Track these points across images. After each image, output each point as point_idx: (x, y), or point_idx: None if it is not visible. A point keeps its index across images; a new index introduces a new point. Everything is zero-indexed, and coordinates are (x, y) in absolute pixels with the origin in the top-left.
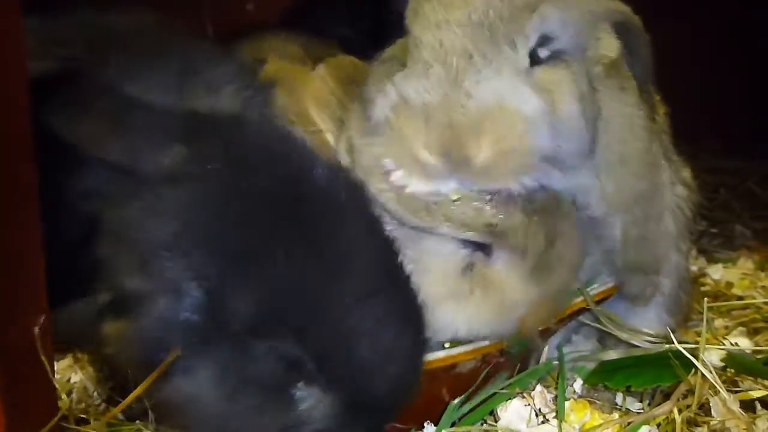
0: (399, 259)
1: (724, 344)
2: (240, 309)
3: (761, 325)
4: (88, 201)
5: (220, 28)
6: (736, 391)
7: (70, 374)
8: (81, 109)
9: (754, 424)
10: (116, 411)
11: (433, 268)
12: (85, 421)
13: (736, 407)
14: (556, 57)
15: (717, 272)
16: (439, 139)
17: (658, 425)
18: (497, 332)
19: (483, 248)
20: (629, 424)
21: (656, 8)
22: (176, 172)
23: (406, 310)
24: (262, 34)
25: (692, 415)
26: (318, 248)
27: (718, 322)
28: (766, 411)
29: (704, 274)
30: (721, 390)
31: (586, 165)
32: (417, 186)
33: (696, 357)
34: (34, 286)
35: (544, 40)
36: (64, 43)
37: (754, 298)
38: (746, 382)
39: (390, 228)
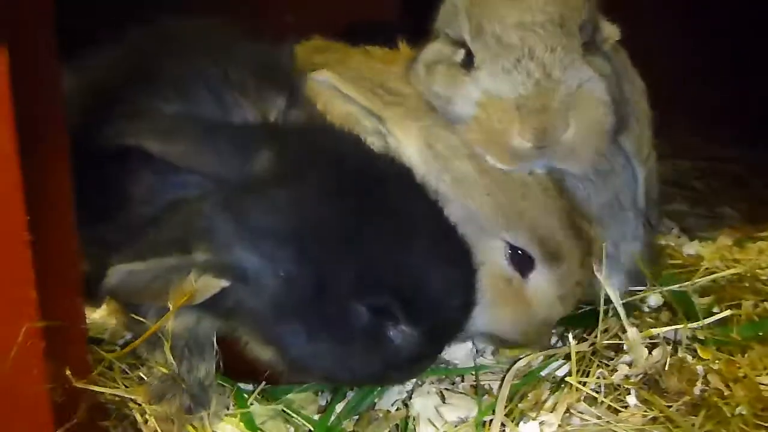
0: (450, 220)
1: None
2: (344, 279)
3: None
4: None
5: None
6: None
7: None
8: (169, 132)
9: (651, 354)
10: (135, 345)
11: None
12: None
13: (634, 335)
14: (587, 44)
15: (692, 248)
16: (533, 124)
17: (582, 360)
18: (511, 337)
19: (526, 266)
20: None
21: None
22: (266, 174)
23: (462, 259)
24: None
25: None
26: (394, 219)
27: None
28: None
29: (677, 249)
30: (624, 322)
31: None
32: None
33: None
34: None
35: (581, 31)
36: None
37: (717, 267)
38: None
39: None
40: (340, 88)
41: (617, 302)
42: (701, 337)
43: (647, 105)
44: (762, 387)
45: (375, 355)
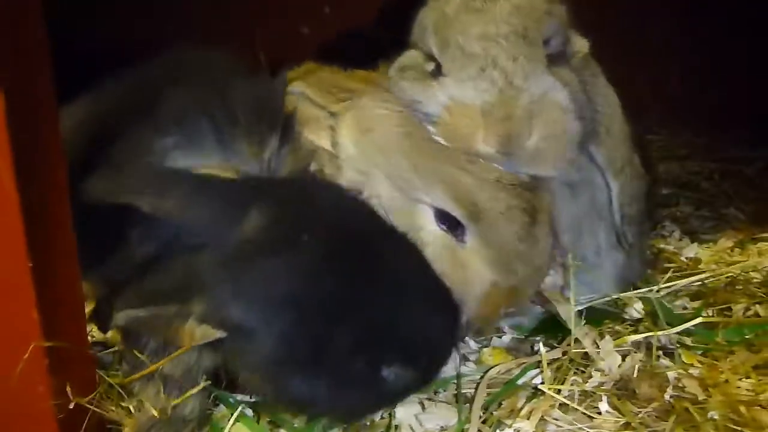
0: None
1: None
2: (340, 339)
3: (702, 290)
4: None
5: (275, 52)
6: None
7: None
8: (159, 190)
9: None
10: (134, 378)
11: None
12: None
13: (589, 340)
14: (553, 57)
15: (691, 251)
16: (497, 131)
17: (558, 368)
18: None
19: (456, 229)
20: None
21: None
22: (256, 235)
23: (449, 308)
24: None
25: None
26: (385, 275)
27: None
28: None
29: (676, 252)
30: (577, 330)
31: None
32: None
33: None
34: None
35: (545, 44)
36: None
37: (713, 272)
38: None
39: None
40: (306, 92)
41: (564, 315)
42: (689, 343)
43: (622, 119)
44: (741, 392)
45: (369, 395)
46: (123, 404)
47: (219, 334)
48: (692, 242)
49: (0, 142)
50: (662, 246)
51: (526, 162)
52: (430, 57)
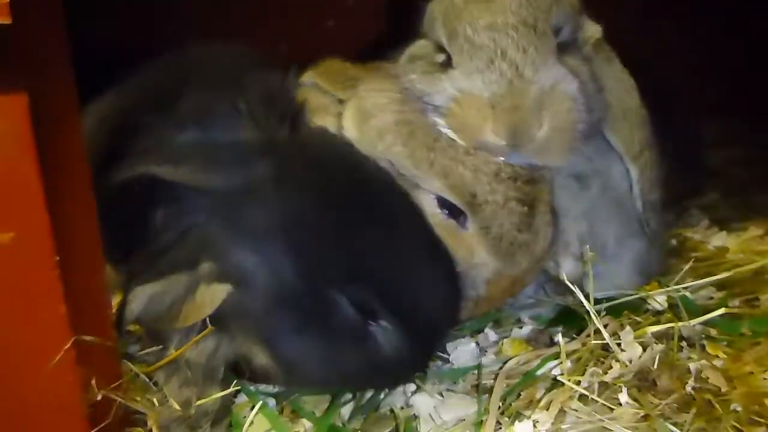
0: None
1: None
2: (328, 271)
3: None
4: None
5: (299, 45)
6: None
7: None
8: (176, 158)
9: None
10: (158, 366)
11: None
12: None
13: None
14: (563, 46)
15: (719, 240)
16: (507, 123)
17: (577, 359)
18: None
19: (459, 216)
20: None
21: None
22: (261, 181)
23: (446, 266)
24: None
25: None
26: (378, 220)
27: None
28: (657, 342)
29: (703, 242)
30: (596, 320)
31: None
32: None
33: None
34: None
35: (556, 33)
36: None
37: (739, 260)
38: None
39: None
40: (316, 81)
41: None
42: (713, 334)
43: (638, 103)
44: (765, 384)
45: (358, 352)
46: (148, 396)
47: (227, 288)
48: (720, 231)
49: (24, 139)
50: (689, 234)
51: (535, 153)
52: (440, 47)
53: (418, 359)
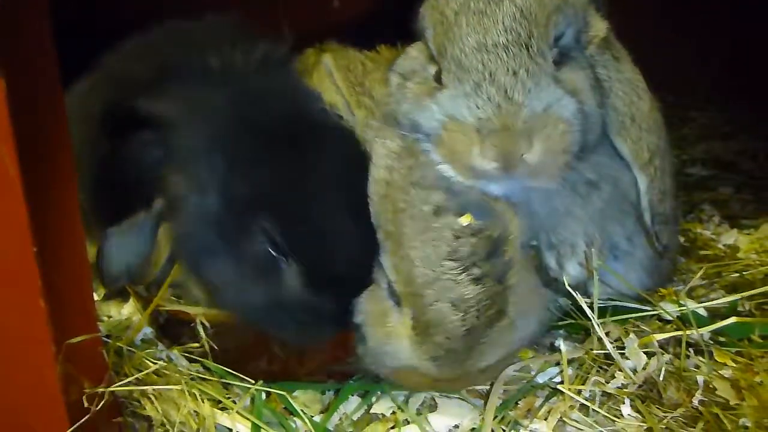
0: (362, 191)
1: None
2: (246, 198)
3: (740, 281)
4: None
5: (301, 25)
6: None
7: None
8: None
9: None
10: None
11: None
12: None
13: (607, 340)
14: (564, 54)
15: (731, 237)
16: (495, 146)
17: (579, 366)
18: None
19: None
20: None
21: None
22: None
23: (363, 225)
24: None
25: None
26: (306, 164)
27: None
28: (663, 351)
29: (713, 239)
30: (598, 330)
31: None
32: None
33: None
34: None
35: (555, 43)
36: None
37: (751, 261)
38: None
39: None
40: (333, 73)
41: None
42: (723, 340)
43: (649, 105)
44: None
45: (265, 284)
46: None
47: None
48: (732, 228)
49: (2, 126)
50: (699, 231)
51: (525, 177)
52: (433, 57)
53: (325, 310)
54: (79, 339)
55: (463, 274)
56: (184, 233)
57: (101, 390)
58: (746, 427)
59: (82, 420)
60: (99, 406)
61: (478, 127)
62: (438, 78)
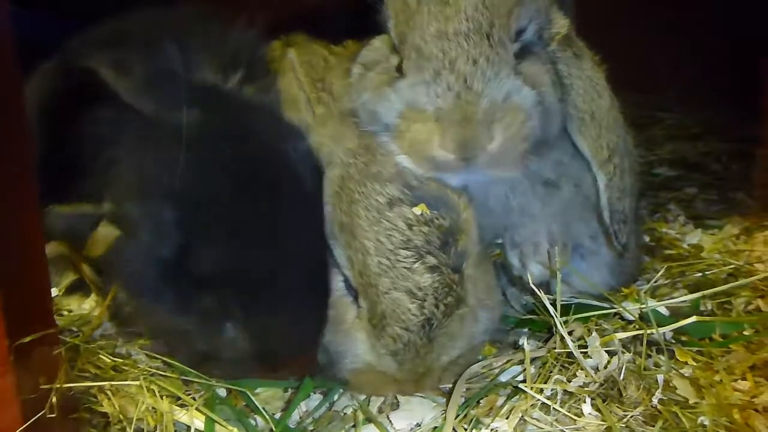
0: (326, 264)
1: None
2: (201, 259)
3: (703, 280)
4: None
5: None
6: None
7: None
8: (125, 66)
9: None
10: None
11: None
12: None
13: (569, 339)
14: (526, 49)
15: (695, 237)
16: (454, 136)
17: (543, 364)
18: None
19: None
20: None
21: None
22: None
23: (317, 301)
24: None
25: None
26: (268, 226)
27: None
28: (624, 350)
29: (678, 239)
30: (561, 329)
31: (560, 142)
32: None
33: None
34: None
35: (517, 36)
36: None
37: (714, 261)
38: None
39: None
40: (296, 68)
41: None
42: (684, 339)
43: (609, 103)
44: (735, 394)
45: (206, 337)
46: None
47: (116, 232)
48: (696, 228)
49: None
50: (664, 231)
51: (485, 167)
52: (394, 46)
53: (260, 370)
54: (31, 338)
55: (418, 263)
56: (128, 261)
57: (56, 387)
58: (704, 426)
59: (36, 417)
60: (54, 403)
61: (437, 116)
62: (399, 68)
